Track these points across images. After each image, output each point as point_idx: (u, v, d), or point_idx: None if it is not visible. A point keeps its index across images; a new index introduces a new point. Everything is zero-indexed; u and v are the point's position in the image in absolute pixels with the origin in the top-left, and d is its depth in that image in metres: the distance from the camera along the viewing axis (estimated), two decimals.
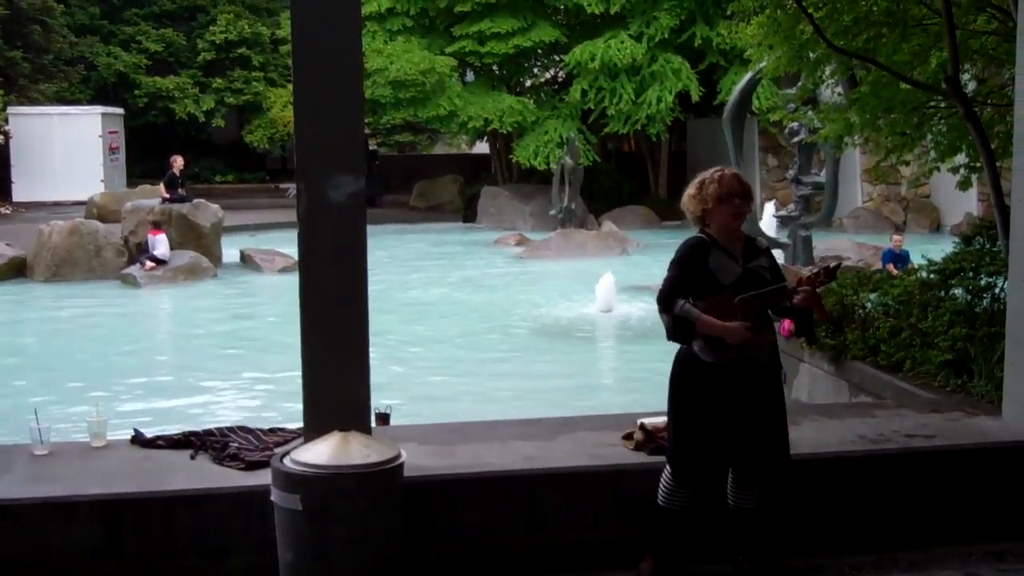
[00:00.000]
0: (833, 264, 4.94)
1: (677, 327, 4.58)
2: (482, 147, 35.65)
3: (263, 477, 4.57)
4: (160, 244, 19.06)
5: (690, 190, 4.73)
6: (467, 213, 30.81)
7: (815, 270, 4.73)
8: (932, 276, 7.55)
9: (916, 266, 8.44)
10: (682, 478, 4.69)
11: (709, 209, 4.63)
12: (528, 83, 32.20)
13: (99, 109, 32.37)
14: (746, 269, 4.61)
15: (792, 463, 4.80)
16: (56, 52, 34.31)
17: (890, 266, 14.82)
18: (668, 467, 4.73)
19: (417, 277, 20.04)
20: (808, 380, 8.10)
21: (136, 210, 20.52)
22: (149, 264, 18.72)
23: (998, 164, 7.81)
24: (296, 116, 4.88)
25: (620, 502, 4.94)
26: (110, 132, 32.24)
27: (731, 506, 4.82)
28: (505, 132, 29.45)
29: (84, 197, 26.61)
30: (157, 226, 19.36)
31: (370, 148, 32.08)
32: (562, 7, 29.78)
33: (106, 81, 35.81)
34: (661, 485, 4.75)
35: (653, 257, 19.11)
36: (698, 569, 4.92)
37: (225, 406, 10.68)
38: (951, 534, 5.22)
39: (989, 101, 8.76)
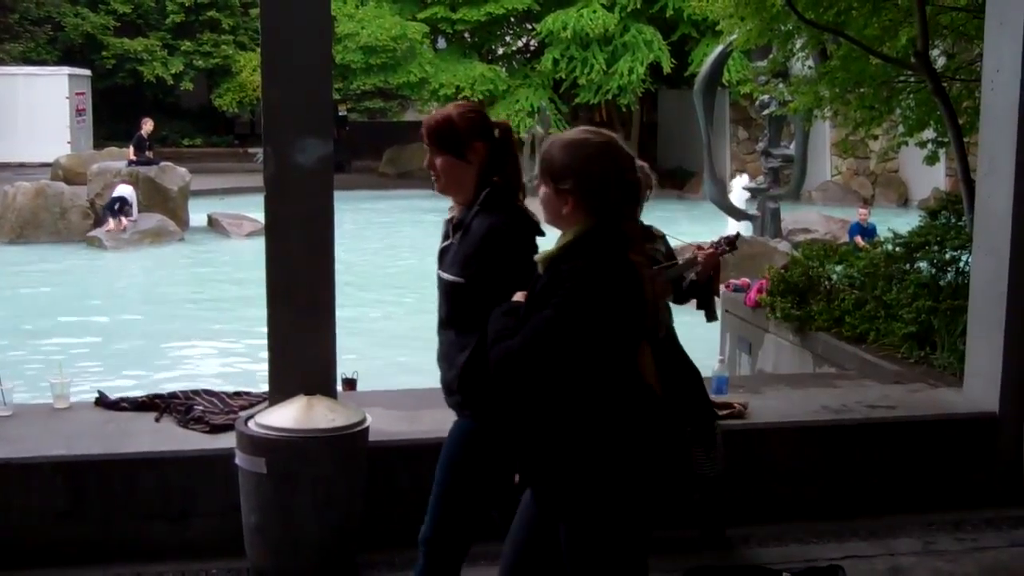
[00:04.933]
0: (733, 235, 4.95)
1: None
2: None
3: (228, 440, 4.56)
4: (125, 191, 18.91)
5: None
6: None
7: (715, 240, 4.74)
8: (897, 249, 7.60)
9: (881, 239, 8.49)
10: None
11: None
12: (500, 51, 32.08)
13: (66, 70, 31.88)
14: None
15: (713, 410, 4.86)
16: (22, 12, 33.77)
17: (857, 238, 14.95)
18: None
19: (386, 244, 19.99)
20: (773, 350, 8.15)
21: (102, 172, 20.33)
22: (113, 223, 18.53)
23: (965, 139, 7.86)
24: (264, 79, 4.82)
25: None
26: (77, 94, 31.82)
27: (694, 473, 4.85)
28: (476, 100, 29.32)
29: (50, 159, 26.25)
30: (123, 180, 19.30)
31: (340, 114, 31.84)
32: None
33: (73, 42, 35.27)
34: None
35: None
36: (663, 535, 4.94)
37: (190, 369, 10.65)
38: (911, 503, 5.29)
39: (958, 77, 8.81)
